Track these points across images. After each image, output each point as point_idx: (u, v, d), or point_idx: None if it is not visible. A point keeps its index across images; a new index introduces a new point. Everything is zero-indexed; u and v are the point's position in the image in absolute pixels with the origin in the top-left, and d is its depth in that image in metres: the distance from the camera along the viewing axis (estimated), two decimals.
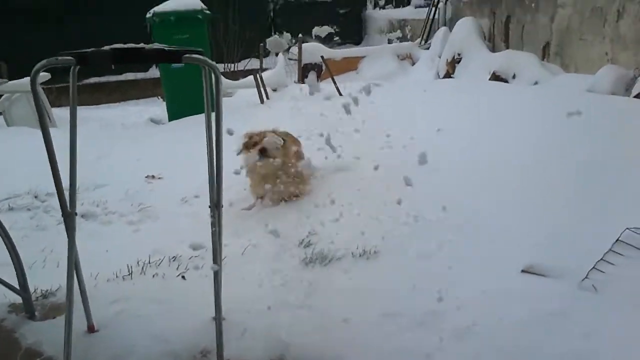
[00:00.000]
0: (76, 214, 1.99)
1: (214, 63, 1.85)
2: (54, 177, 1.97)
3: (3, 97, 6.84)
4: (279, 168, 3.59)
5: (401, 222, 3.14)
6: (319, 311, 2.36)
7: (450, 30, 10.52)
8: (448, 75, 9.60)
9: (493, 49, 9.83)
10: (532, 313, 2.24)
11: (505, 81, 7.67)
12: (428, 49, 11.63)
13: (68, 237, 1.96)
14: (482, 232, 2.95)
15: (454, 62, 9.72)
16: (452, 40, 10.05)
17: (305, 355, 2.08)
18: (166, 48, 1.81)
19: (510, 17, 9.44)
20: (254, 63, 11.03)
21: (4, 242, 2.40)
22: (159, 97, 9.19)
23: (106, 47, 1.76)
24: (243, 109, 6.91)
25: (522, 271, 2.55)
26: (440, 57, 10.35)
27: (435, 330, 2.17)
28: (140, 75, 12.28)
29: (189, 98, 6.59)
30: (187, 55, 1.80)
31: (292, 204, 3.66)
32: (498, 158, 3.82)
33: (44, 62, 1.77)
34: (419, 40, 12.75)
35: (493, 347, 2.05)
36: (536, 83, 7.11)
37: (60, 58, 1.78)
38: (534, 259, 2.59)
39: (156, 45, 1.87)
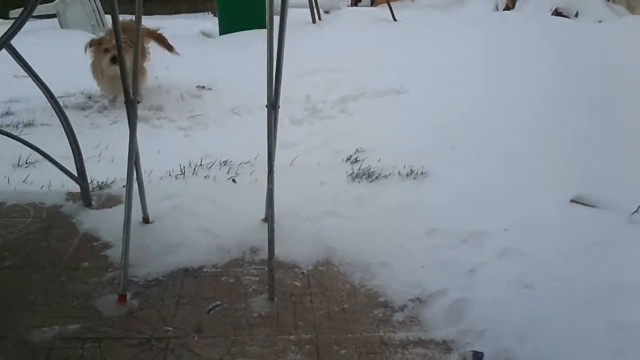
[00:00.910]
0: (138, 101, 2.02)
1: None
2: (120, 66, 2.00)
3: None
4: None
5: (449, 147, 3.13)
6: (365, 222, 2.39)
7: None
8: (508, 8, 9.24)
9: None
10: (578, 241, 2.22)
11: (567, 18, 7.36)
12: None
13: (129, 124, 2.00)
14: (535, 164, 2.91)
15: None
16: None
17: (351, 261, 2.12)
18: None
19: None
20: None
21: (65, 133, 2.47)
22: (210, 11, 9.12)
23: None
24: (294, 27, 6.80)
25: (571, 201, 2.51)
26: None
27: (479, 249, 2.18)
28: None
29: (240, 12, 6.56)
30: None
31: None
32: (555, 93, 3.73)
33: None
34: None
35: (537, 269, 2.05)
36: (600, 22, 6.81)
37: None
38: (585, 189, 2.55)
39: None
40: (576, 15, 7.40)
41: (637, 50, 4.68)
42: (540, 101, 3.73)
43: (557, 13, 7.58)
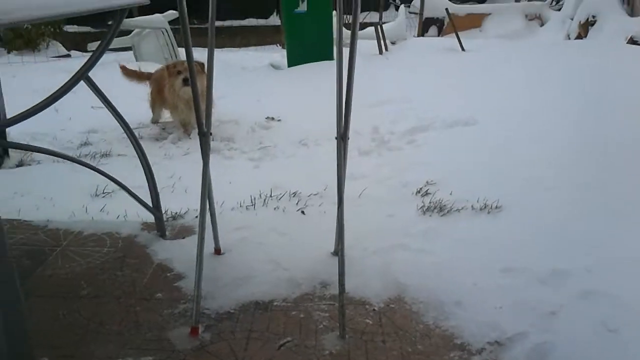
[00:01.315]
0: (211, 134, 2.05)
1: None
2: (194, 100, 2.04)
3: (133, 32, 7.15)
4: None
5: (523, 180, 3.03)
6: (437, 256, 2.33)
7: None
8: (580, 37, 9.00)
9: (631, 13, 9.07)
10: None
11: None
12: (560, 9, 10.92)
13: (203, 155, 2.03)
14: (614, 197, 2.77)
15: (587, 25, 9.08)
16: (586, 2, 9.37)
17: (423, 298, 2.06)
18: None
19: None
20: (373, 16, 10.87)
21: (141, 164, 2.54)
22: (278, 44, 9.31)
23: None
24: (361, 58, 6.85)
25: None
26: (572, 19, 9.70)
27: (560, 289, 2.07)
28: (261, 22, 12.48)
29: (309, 44, 6.66)
30: None
31: None
32: (630, 123, 3.57)
33: None
34: (549, 0, 12.00)
35: (622, 312, 1.93)
36: None
37: None
38: None
39: None
40: None
41: None
42: (614, 132, 3.56)
43: (632, 41, 7.31)
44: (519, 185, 2.99)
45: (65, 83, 2.05)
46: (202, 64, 4.00)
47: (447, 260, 2.31)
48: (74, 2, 1.87)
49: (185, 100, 4.08)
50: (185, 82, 4.01)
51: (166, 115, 4.54)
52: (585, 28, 9.11)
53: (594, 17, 9.06)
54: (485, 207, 2.75)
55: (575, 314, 1.93)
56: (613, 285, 2.06)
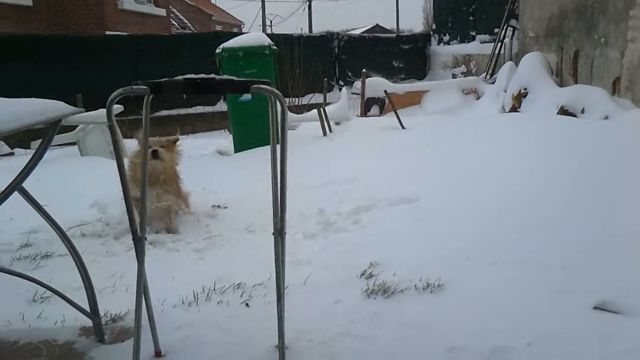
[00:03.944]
0: (145, 238, 2.04)
1: (280, 93, 1.88)
2: (126, 203, 2.04)
3: (78, 127, 7.16)
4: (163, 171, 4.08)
5: (464, 257, 3.09)
6: (382, 343, 2.32)
7: (517, 65, 10.40)
8: (514, 109, 9.46)
9: (561, 83, 9.64)
10: (606, 352, 2.13)
11: (574, 115, 7.48)
12: (493, 83, 11.51)
13: (138, 260, 2.01)
14: (551, 270, 2.85)
15: (520, 97, 9.58)
16: (518, 75, 9.92)
17: None
18: (235, 79, 1.86)
19: (578, 52, 9.25)
20: (317, 97, 11.20)
21: (77, 267, 2.49)
22: (226, 129, 9.44)
23: (179, 77, 1.83)
24: (306, 140, 7.02)
25: (594, 308, 2.43)
26: (505, 92, 10.22)
27: None
28: (208, 109, 12.70)
29: (255, 130, 6.79)
30: (255, 85, 1.84)
31: None
32: (568, 195, 3.72)
33: (119, 90, 1.84)
34: (484, 74, 12.65)
35: None
36: (606, 118, 6.90)
37: (135, 87, 1.85)
38: (606, 295, 2.48)
39: (226, 76, 1.93)
40: (582, 111, 7.52)
41: None
42: (552, 203, 3.71)
43: (563, 111, 7.72)
44: (460, 261, 3.05)
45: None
46: (174, 141, 4.14)
47: (394, 346, 2.31)
48: (23, 116, 1.92)
49: (149, 173, 4.02)
50: (154, 154, 4.00)
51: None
52: (519, 100, 9.59)
53: (525, 89, 9.57)
54: (427, 286, 2.78)
55: None
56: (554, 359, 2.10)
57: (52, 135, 2.16)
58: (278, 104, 1.91)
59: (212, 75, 1.86)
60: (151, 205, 4.08)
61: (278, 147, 2.01)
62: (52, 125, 2.12)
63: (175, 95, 11.75)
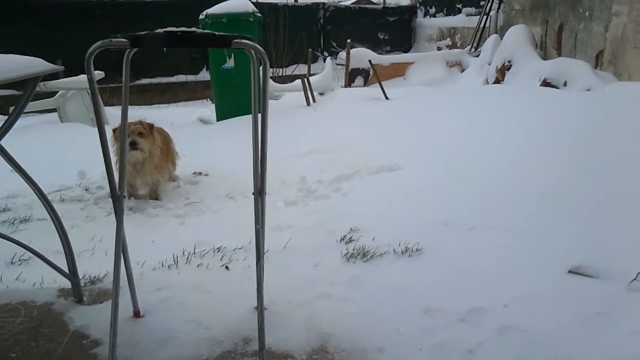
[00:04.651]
0: (124, 196, 2.02)
1: (262, 49, 1.85)
2: (105, 164, 2.01)
3: (58, 94, 7.03)
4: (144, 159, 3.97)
5: (443, 223, 3.12)
6: (361, 304, 2.35)
7: (501, 39, 10.39)
8: (497, 81, 9.48)
9: (545, 56, 9.66)
10: (579, 314, 2.18)
11: (556, 88, 7.52)
12: (478, 56, 11.51)
13: (117, 219, 1.99)
14: (528, 235, 2.89)
15: (503, 69, 9.60)
16: (502, 48, 9.92)
17: (346, 347, 2.07)
18: (217, 33, 1.82)
19: (563, 25, 9.26)
20: (302, 68, 11.11)
21: (56, 229, 2.47)
22: (208, 99, 9.35)
23: (159, 30, 1.79)
24: (290, 110, 6.98)
25: (569, 272, 2.48)
26: (489, 65, 10.22)
27: (478, 327, 2.13)
28: (190, 78, 12.54)
29: (237, 99, 6.72)
30: (236, 40, 1.81)
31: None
32: (546, 163, 3.76)
33: (99, 43, 1.78)
34: (468, 47, 12.63)
35: (537, 346, 2.00)
36: (588, 90, 6.95)
37: (114, 40, 1.80)
38: (582, 260, 2.52)
39: (207, 31, 1.89)
40: (565, 84, 7.56)
41: (623, 115, 4.75)
42: (530, 172, 3.75)
43: (545, 83, 7.75)
44: (439, 227, 3.08)
45: None
46: (151, 125, 4.00)
47: (371, 307, 2.34)
48: (4, 70, 1.91)
49: (132, 164, 3.97)
50: (132, 145, 3.90)
51: None
52: (502, 72, 9.61)
53: (509, 61, 9.58)
54: (406, 250, 2.81)
55: (492, 351, 1.99)
56: (528, 320, 2.14)
57: (32, 91, 2.13)
58: (260, 61, 1.88)
59: (193, 29, 1.83)
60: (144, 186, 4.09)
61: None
62: (31, 80, 2.09)
63: (157, 60, 11.59)
